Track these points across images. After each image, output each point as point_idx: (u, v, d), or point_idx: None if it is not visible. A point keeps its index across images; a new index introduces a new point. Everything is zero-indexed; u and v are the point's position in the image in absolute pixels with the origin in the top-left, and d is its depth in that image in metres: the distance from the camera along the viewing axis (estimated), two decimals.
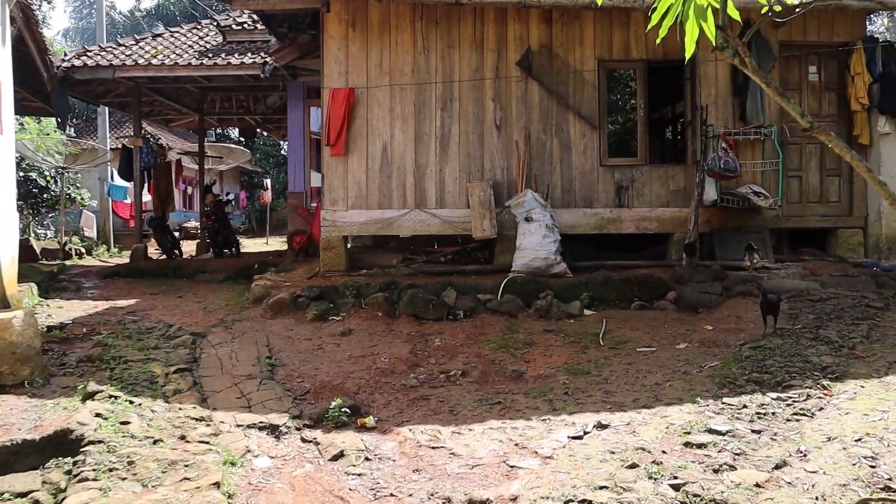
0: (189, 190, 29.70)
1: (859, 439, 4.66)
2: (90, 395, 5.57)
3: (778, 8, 4.30)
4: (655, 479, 4.17)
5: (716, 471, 4.27)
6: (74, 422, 4.87)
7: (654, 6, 3.40)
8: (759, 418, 5.18)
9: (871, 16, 13.93)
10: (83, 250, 18.55)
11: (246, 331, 8.14)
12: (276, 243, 23.29)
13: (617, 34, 10.24)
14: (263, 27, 12.72)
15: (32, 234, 19.75)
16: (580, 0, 9.31)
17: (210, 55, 14.15)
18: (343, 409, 5.51)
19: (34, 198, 19.04)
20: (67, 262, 16.01)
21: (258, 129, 23.61)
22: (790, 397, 5.57)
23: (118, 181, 20.42)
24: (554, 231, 9.44)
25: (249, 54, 14.11)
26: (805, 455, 4.47)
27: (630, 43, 10.25)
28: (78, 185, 20.48)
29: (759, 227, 10.15)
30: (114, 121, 26.69)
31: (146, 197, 17.65)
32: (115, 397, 5.53)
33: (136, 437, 4.82)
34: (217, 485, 4.16)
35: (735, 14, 3.30)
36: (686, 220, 9.88)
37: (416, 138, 10.17)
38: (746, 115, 10.06)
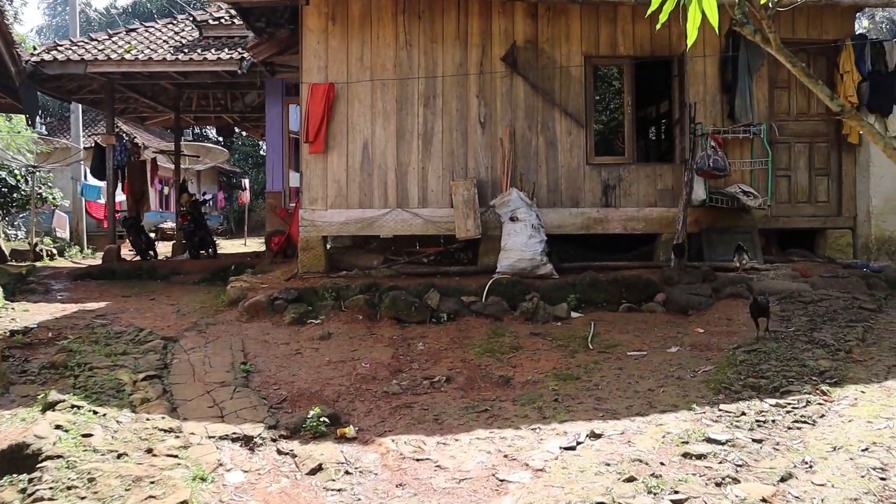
0: (165, 190, 29.19)
1: (866, 449, 4.44)
2: (51, 406, 5.22)
3: None
4: (655, 494, 3.92)
5: (718, 484, 4.02)
6: (32, 435, 4.52)
7: None
8: (760, 426, 4.94)
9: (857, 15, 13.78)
10: (55, 251, 18.09)
11: (220, 335, 7.80)
12: (255, 244, 22.93)
13: (604, 30, 10.00)
14: (241, 22, 12.37)
15: (2, 235, 19.21)
16: None
17: (186, 51, 13.77)
18: (322, 419, 5.21)
19: (4, 197, 18.49)
20: (38, 264, 15.56)
21: (236, 128, 23.19)
22: (789, 403, 5.35)
23: (91, 180, 19.92)
24: (540, 231, 9.18)
25: (226, 50, 13.75)
26: (811, 466, 4.24)
27: (617, 39, 10.02)
28: (50, 184, 19.93)
29: (747, 228, 9.96)
30: (88, 118, 26.14)
31: (120, 197, 17.21)
32: (78, 407, 5.18)
33: (99, 451, 4.49)
34: (185, 503, 3.85)
35: None
36: (674, 220, 9.66)
37: (397, 135, 9.88)
38: (735, 113, 9.86)
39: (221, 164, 30.75)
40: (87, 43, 14.25)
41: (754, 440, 4.68)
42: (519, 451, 4.77)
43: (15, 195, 18.67)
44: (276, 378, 6.40)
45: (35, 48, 15.22)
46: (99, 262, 15.41)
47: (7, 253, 15.54)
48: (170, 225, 24.83)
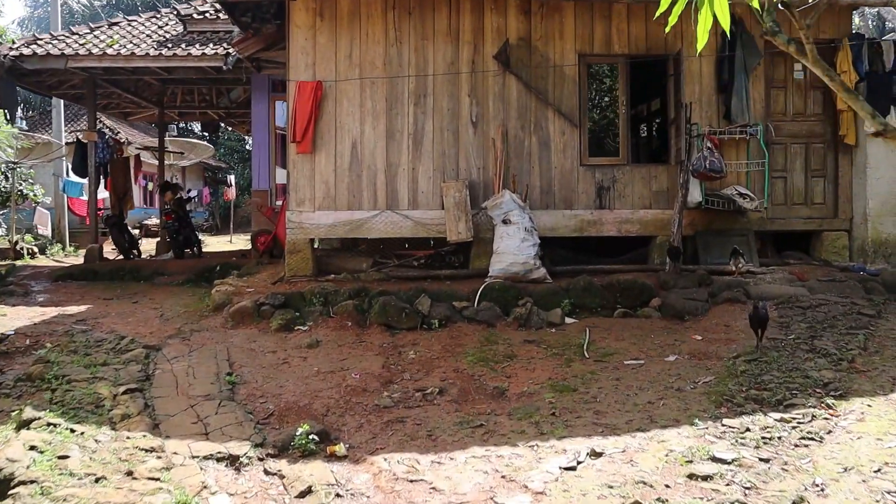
0: (150, 186, 28.79)
1: (878, 470, 4.28)
2: (25, 424, 4.97)
3: None
4: None
5: None
6: (4, 458, 4.28)
7: None
8: (765, 443, 4.77)
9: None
10: (36, 250, 17.72)
11: (205, 342, 7.55)
12: (241, 241, 22.61)
13: (598, 27, 9.79)
14: (226, 17, 12.09)
15: None
16: None
17: (169, 45, 13.45)
18: (311, 436, 4.98)
19: None
20: (18, 263, 15.23)
21: (221, 124, 22.84)
22: (794, 418, 5.18)
23: (74, 177, 19.55)
24: (533, 234, 8.98)
25: (211, 45, 13.44)
26: (822, 489, 4.08)
27: (612, 37, 9.81)
28: (31, 180, 19.53)
29: (743, 230, 9.80)
30: (70, 113, 25.71)
31: (102, 194, 16.88)
32: (55, 425, 4.94)
33: (76, 474, 4.26)
34: None
35: None
36: (669, 223, 9.49)
37: (387, 135, 9.64)
38: (731, 114, 9.68)
39: (207, 159, 30.38)
40: (67, 37, 13.90)
41: (761, 459, 4.51)
42: (517, 471, 4.57)
43: None
44: (262, 390, 6.17)
45: (14, 41, 14.83)
46: (81, 260, 15.07)
47: None
48: (154, 221, 24.46)
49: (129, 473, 4.36)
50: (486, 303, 8.28)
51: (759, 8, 2.64)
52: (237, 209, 28.88)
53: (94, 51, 13.14)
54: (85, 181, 17.11)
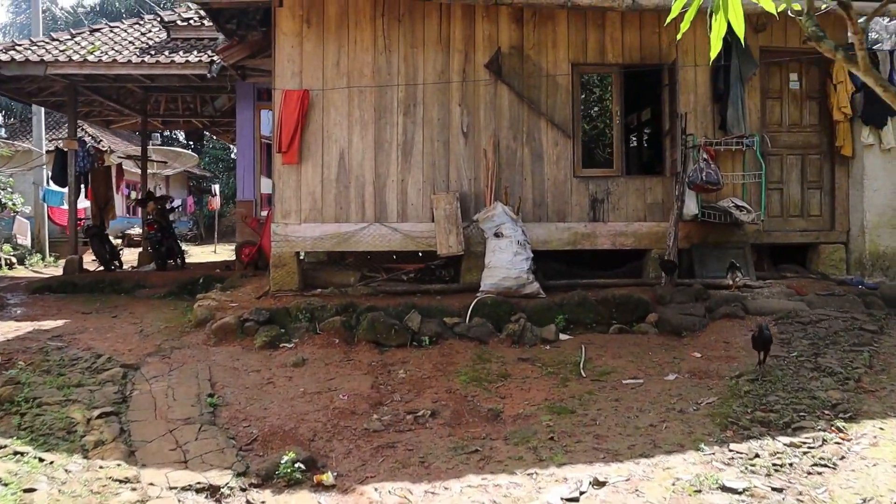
0: (133, 195, 28.35)
1: None
2: None
3: (797, 7, 3.68)
4: None
5: None
6: None
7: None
8: (777, 471, 4.53)
9: None
10: (14, 260, 17.33)
11: (186, 361, 7.24)
12: (225, 251, 22.24)
13: (592, 36, 9.58)
14: (211, 24, 11.82)
15: None
16: None
17: (152, 52, 13.14)
18: (297, 464, 4.71)
19: None
20: None
21: (206, 133, 22.50)
22: (804, 443, 4.95)
23: (54, 186, 19.16)
24: (526, 248, 8.74)
25: (195, 52, 13.14)
26: None
27: (605, 46, 9.60)
28: (10, 189, 19.12)
29: (739, 243, 9.60)
30: (52, 121, 25.29)
31: (83, 203, 16.50)
32: (22, 454, 4.63)
33: None
34: None
35: None
36: (664, 236, 9.28)
37: (376, 145, 9.37)
38: (727, 124, 9.50)
39: (191, 168, 30.01)
40: (47, 43, 13.57)
41: (774, 489, 4.28)
42: (516, 502, 4.32)
43: None
44: (245, 413, 5.88)
45: None
46: (60, 272, 14.69)
47: None
48: (137, 231, 24.08)
49: None
50: (477, 318, 8.03)
51: (796, 10, 2.41)
52: (221, 218, 28.52)
53: (75, 57, 12.82)
54: (65, 190, 16.74)
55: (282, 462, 4.71)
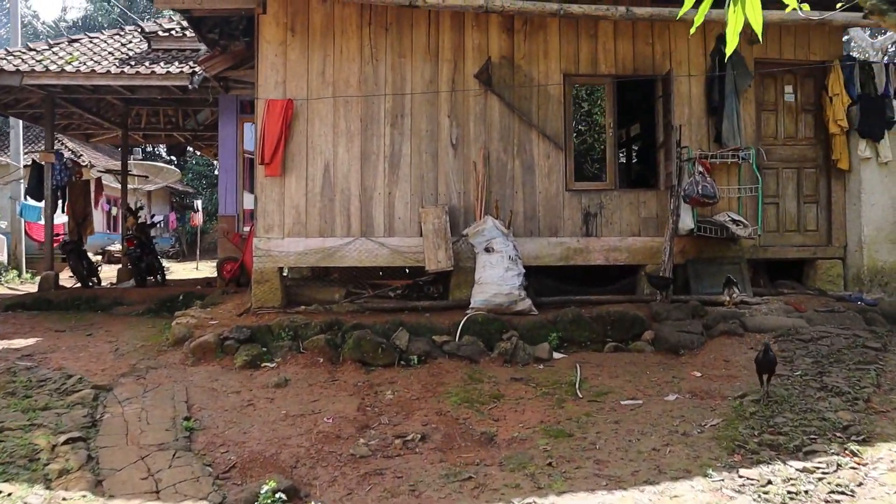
0: (114, 210, 27.90)
1: None
2: None
3: (806, 7, 3.43)
4: None
5: None
6: None
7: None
8: (792, 499, 4.27)
9: None
10: None
11: (162, 381, 6.86)
12: (207, 268, 21.85)
13: (584, 46, 9.35)
14: (193, 34, 11.53)
15: None
16: (548, 7, 8.36)
17: (132, 63, 12.80)
18: (277, 494, 4.38)
19: None
20: None
21: (188, 147, 22.12)
22: (818, 468, 4.67)
23: (32, 201, 18.72)
24: (517, 263, 8.45)
25: (177, 63, 12.82)
26: None
27: (598, 56, 9.37)
28: None
29: (735, 258, 9.35)
30: (31, 134, 24.81)
31: (62, 218, 16.08)
32: None
33: None
34: None
35: None
36: (659, 251, 9.02)
37: (362, 157, 9.07)
38: (722, 137, 9.28)
39: (173, 184, 29.60)
40: (24, 53, 13.20)
41: None
42: None
43: None
44: (224, 437, 5.52)
45: None
46: (36, 288, 14.25)
47: None
48: (117, 247, 23.62)
49: None
50: (468, 337, 7.71)
51: None
52: (204, 235, 28.12)
53: (52, 67, 12.46)
54: (43, 205, 16.31)
55: (261, 492, 4.37)
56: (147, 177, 23.28)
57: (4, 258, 19.39)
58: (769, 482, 4.48)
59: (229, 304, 9.64)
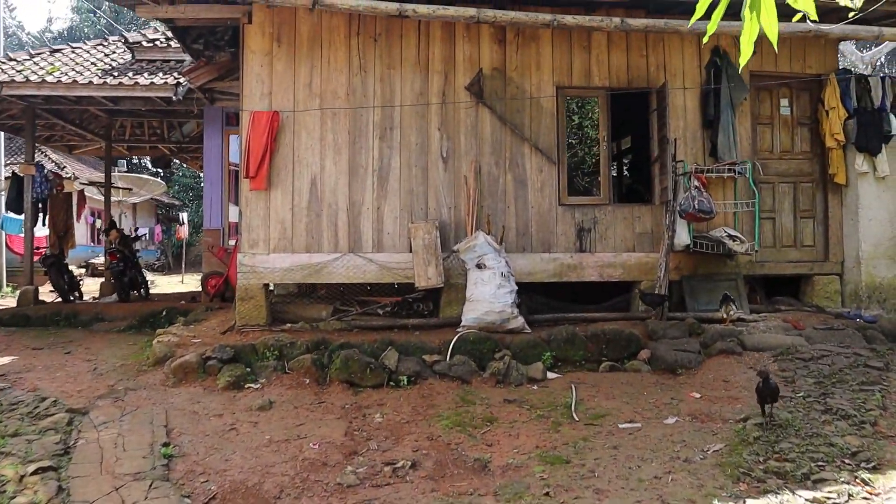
0: (98, 223, 27.50)
1: None
2: None
3: (814, 16, 3.24)
4: None
5: None
6: None
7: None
8: None
9: None
10: None
11: (141, 404, 6.58)
12: (192, 282, 21.47)
13: (577, 58, 9.18)
14: (178, 45, 11.29)
15: None
16: (541, 18, 8.17)
17: (115, 74, 12.54)
18: None
19: None
20: None
21: (173, 159, 21.81)
22: (828, 498, 4.46)
23: (12, 213, 18.34)
24: (510, 280, 8.23)
25: (161, 74, 12.57)
26: None
27: (591, 68, 9.20)
28: None
29: (732, 275, 9.17)
30: (13, 146, 24.42)
31: (42, 231, 15.72)
32: None
33: None
34: None
35: None
36: (654, 267, 8.82)
37: (350, 171, 8.84)
38: (718, 151, 9.11)
39: (159, 196, 29.25)
40: (4, 63, 12.91)
41: None
42: None
43: None
44: (204, 465, 5.25)
45: None
46: (15, 304, 13.89)
47: None
48: (101, 260, 23.24)
49: None
50: (459, 356, 7.47)
51: None
52: (190, 248, 27.81)
53: (33, 78, 12.18)
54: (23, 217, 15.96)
55: None
56: (131, 189, 22.92)
57: None
58: None
59: (213, 320, 9.36)
